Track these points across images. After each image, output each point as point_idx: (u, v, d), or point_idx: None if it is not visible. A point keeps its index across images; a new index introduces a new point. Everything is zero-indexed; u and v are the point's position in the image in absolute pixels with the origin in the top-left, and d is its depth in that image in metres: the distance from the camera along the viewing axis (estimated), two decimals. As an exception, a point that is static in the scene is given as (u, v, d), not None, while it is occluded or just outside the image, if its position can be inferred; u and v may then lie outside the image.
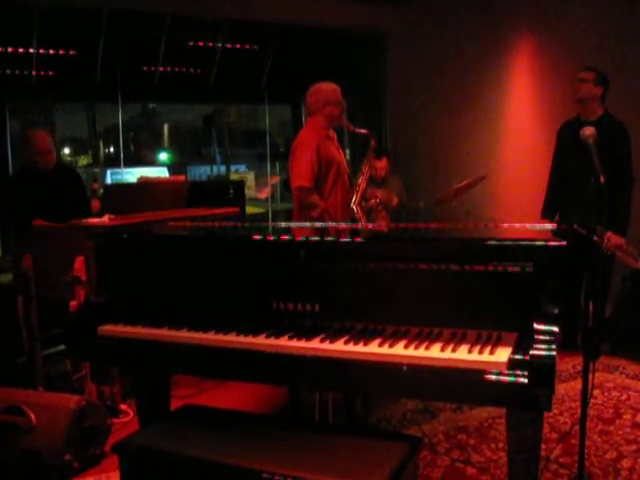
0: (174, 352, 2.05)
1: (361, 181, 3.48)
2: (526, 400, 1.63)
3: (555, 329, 1.70)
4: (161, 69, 7.63)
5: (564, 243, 1.77)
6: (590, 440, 2.95)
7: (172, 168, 14.59)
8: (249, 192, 9.68)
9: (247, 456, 1.83)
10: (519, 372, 1.63)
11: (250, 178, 13.54)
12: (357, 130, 3.71)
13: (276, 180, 10.29)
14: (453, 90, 6.47)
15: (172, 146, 17.12)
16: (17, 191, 4.00)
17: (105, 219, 3.70)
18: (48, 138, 4.06)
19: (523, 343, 1.71)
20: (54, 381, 3.48)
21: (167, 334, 2.07)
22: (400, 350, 1.78)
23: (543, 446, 2.38)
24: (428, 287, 1.89)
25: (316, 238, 2.22)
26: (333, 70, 7.08)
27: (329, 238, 2.28)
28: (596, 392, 3.48)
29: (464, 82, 6.34)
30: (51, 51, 7.14)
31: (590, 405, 2.94)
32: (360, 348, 1.82)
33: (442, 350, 1.75)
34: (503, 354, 1.69)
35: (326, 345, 1.86)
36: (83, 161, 15.69)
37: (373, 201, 3.52)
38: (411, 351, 1.77)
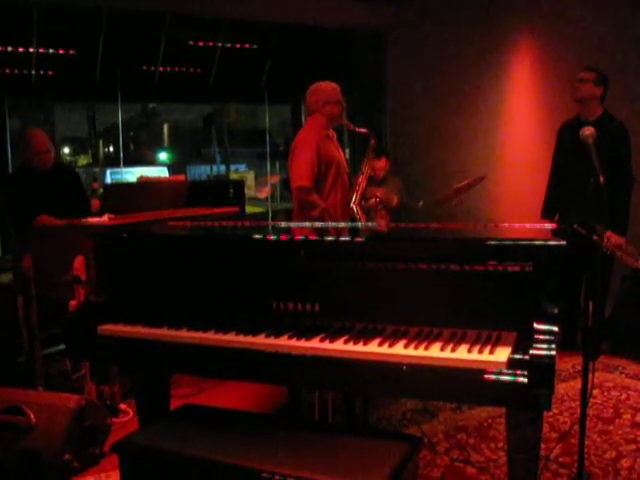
0: (174, 352, 2.05)
1: (361, 180, 3.48)
2: (526, 400, 1.63)
3: (555, 329, 1.70)
4: (161, 69, 7.63)
5: (564, 243, 1.77)
6: (590, 440, 2.95)
7: (172, 168, 14.60)
8: (249, 192, 9.68)
9: (247, 456, 1.83)
10: (519, 372, 1.63)
11: (250, 178, 13.55)
12: (357, 129, 3.71)
13: (276, 180, 10.29)
14: (453, 90, 6.46)
15: (172, 146, 17.13)
16: (17, 190, 4.00)
17: (105, 219, 3.70)
18: (46, 138, 4.06)
19: (523, 343, 1.71)
20: (54, 381, 3.48)
21: (167, 334, 2.07)
22: (400, 350, 1.78)
23: (543, 446, 2.39)
24: (428, 287, 1.89)
25: (316, 238, 2.22)
26: (333, 69, 7.08)
27: (329, 238, 2.28)
28: (596, 392, 3.48)
29: (464, 82, 6.33)
30: (51, 50, 7.14)
31: (590, 405, 2.95)
32: (360, 348, 1.82)
33: (442, 350, 1.75)
34: (503, 354, 1.69)
35: (326, 345, 1.86)
36: (83, 160, 15.69)
37: (373, 201, 3.53)
38: (411, 351, 1.77)
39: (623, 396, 3.53)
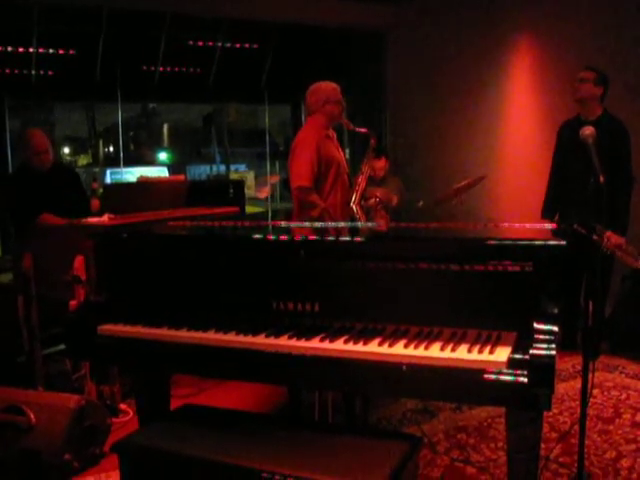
0: (174, 352, 2.05)
1: (361, 180, 3.48)
2: (526, 399, 1.63)
3: (555, 328, 1.70)
4: (161, 68, 7.63)
5: (564, 243, 1.77)
6: (590, 439, 2.95)
7: (172, 167, 14.61)
8: (249, 191, 9.68)
9: (247, 456, 1.83)
10: (519, 371, 1.63)
11: (250, 177, 13.56)
12: (357, 129, 3.70)
13: (276, 179, 10.30)
14: (453, 90, 6.47)
15: (172, 145, 17.14)
16: (17, 190, 4.00)
17: (105, 218, 3.70)
18: (46, 138, 4.06)
19: (523, 342, 1.71)
20: (54, 380, 3.48)
21: (167, 334, 2.07)
22: (400, 349, 1.78)
23: (543, 445, 2.39)
24: (428, 287, 1.89)
25: (316, 238, 2.22)
26: (333, 69, 7.08)
27: (329, 238, 2.28)
28: (596, 391, 3.48)
29: (464, 82, 6.34)
30: (51, 50, 7.15)
31: (590, 404, 2.95)
32: (360, 347, 1.82)
33: (442, 349, 1.75)
34: (503, 353, 1.69)
35: (326, 344, 1.86)
36: (83, 160, 15.70)
37: (373, 200, 3.52)
38: (411, 350, 1.77)
39: (623, 396, 3.53)
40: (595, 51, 4.96)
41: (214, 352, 1.99)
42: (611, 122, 4.00)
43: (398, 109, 7.47)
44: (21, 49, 6.99)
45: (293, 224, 3.31)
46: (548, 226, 2.27)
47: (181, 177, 6.87)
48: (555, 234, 2.08)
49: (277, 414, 3.38)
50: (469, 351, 1.72)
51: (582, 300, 3.96)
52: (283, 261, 2.06)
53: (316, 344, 1.87)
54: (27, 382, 3.24)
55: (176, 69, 7.89)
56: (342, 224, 3.21)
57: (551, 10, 5.50)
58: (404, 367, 1.73)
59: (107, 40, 6.96)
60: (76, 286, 3.05)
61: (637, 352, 4.10)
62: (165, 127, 16.97)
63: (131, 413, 3.31)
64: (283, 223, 3.23)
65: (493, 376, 1.65)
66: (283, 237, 2.17)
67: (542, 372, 1.61)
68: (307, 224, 3.17)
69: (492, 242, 1.87)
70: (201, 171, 15.89)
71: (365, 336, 1.87)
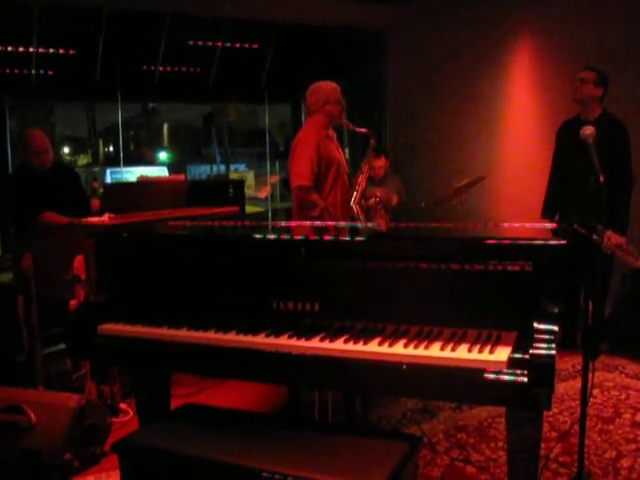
0: (174, 351, 2.05)
1: (361, 180, 3.48)
2: (526, 399, 1.63)
3: (555, 328, 1.70)
4: (161, 68, 7.64)
5: (564, 242, 1.77)
6: (590, 439, 2.95)
7: (172, 167, 14.60)
8: (249, 191, 9.68)
9: (247, 455, 1.83)
10: (519, 371, 1.63)
11: (250, 177, 13.56)
12: (357, 129, 3.70)
13: (276, 179, 10.31)
14: (453, 90, 6.47)
15: (172, 145, 17.13)
16: (17, 190, 4.00)
17: (105, 218, 3.70)
18: (45, 138, 4.06)
19: (523, 342, 1.71)
20: (54, 380, 3.48)
21: (167, 333, 2.07)
22: (400, 349, 1.78)
23: (543, 445, 2.39)
24: (428, 286, 1.89)
25: (316, 237, 2.22)
26: (333, 69, 7.08)
27: (329, 237, 2.28)
28: (596, 391, 3.48)
29: (464, 82, 6.34)
30: (51, 50, 7.15)
31: (590, 404, 2.95)
32: (360, 347, 1.82)
33: (442, 349, 1.75)
34: (503, 353, 1.69)
35: (326, 344, 1.86)
36: (83, 160, 15.69)
37: (373, 200, 3.52)
38: (411, 350, 1.77)
39: (623, 396, 3.54)
40: (595, 51, 4.96)
41: (214, 352, 1.99)
42: (611, 122, 4.00)
43: (398, 109, 7.47)
44: (21, 49, 6.99)
45: (293, 224, 3.31)
46: (548, 226, 2.27)
47: (181, 177, 6.87)
48: (555, 234, 2.08)
49: (277, 414, 3.38)
50: (469, 351, 1.72)
51: (582, 300, 3.96)
52: (283, 261, 2.06)
53: (316, 344, 1.87)
54: (27, 382, 3.24)
55: (176, 69, 7.89)
56: (342, 224, 3.21)
57: (551, 10, 5.50)
58: (404, 367, 1.74)
59: (107, 40, 6.96)
60: (76, 286, 3.05)
61: (637, 352, 4.10)
62: (165, 127, 16.97)
63: (131, 413, 3.31)
64: (283, 223, 3.23)
65: (493, 376, 1.65)
66: (283, 237, 2.17)
67: (542, 372, 1.61)
68: (307, 224, 3.17)
69: (492, 242, 1.87)
70: (201, 171, 15.89)
71: (365, 336, 1.87)
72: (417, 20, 6.94)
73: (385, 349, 1.79)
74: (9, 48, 6.96)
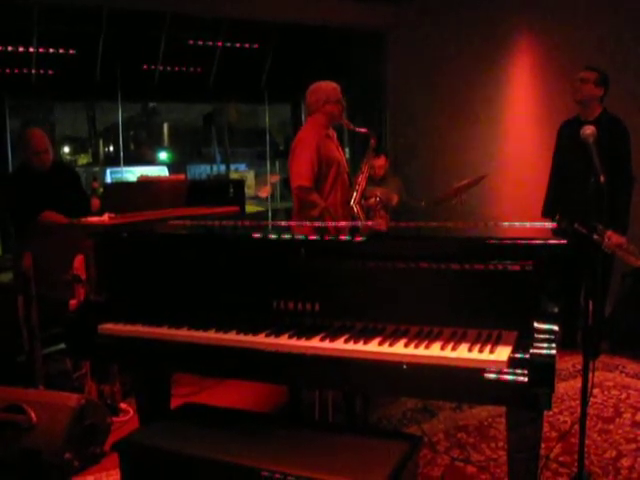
0: (174, 351, 2.05)
1: (361, 180, 3.48)
2: (526, 399, 1.63)
3: (555, 328, 1.70)
4: (161, 68, 7.64)
5: (564, 242, 1.77)
6: (590, 439, 2.95)
7: (172, 167, 14.59)
8: (249, 191, 9.68)
9: (247, 454, 1.83)
10: (519, 371, 1.63)
11: (250, 177, 13.56)
12: (357, 129, 3.71)
13: (276, 179, 10.30)
14: (453, 90, 6.47)
15: (172, 145, 17.12)
16: (17, 190, 4.00)
17: (105, 218, 3.70)
18: (45, 138, 4.06)
19: (523, 342, 1.71)
20: (54, 380, 3.48)
21: (167, 333, 2.07)
22: (400, 349, 1.78)
23: (543, 445, 2.39)
24: (428, 286, 1.89)
25: (316, 237, 2.22)
26: (333, 69, 7.09)
27: (329, 237, 2.28)
28: (596, 391, 3.48)
29: (464, 82, 6.34)
30: (51, 50, 7.15)
31: (590, 404, 2.95)
32: (360, 347, 1.82)
33: (442, 349, 1.75)
34: (503, 353, 1.69)
35: (326, 344, 1.86)
36: (83, 160, 15.68)
37: (373, 200, 3.52)
38: (411, 350, 1.77)
39: (623, 395, 3.54)
40: (595, 51, 4.96)
41: (214, 351, 1.99)
42: (611, 121, 4.00)
43: (398, 109, 7.47)
44: (21, 49, 6.99)
45: (293, 223, 3.31)
46: (548, 225, 2.27)
47: (181, 176, 6.88)
48: (555, 233, 2.08)
49: (277, 413, 3.38)
50: (469, 350, 1.72)
51: (582, 299, 3.96)
52: (283, 260, 2.06)
53: (316, 343, 1.87)
54: (27, 381, 3.24)
55: (176, 69, 7.89)
56: (342, 223, 3.21)
57: (551, 10, 5.50)
58: (404, 366, 1.74)
59: (107, 40, 6.96)
60: (76, 285, 3.05)
61: (637, 351, 4.10)
62: (165, 126, 16.96)
63: (131, 412, 3.31)
64: (283, 223, 3.23)
65: (493, 375, 1.65)
66: (283, 236, 2.17)
67: (542, 371, 1.61)
68: (307, 223, 3.17)
69: (492, 241, 1.88)
70: (201, 170, 15.89)
71: (365, 335, 1.87)
72: (417, 20, 6.94)
73: (385, 349, 1.79)
74: (9, 48, 6.96)
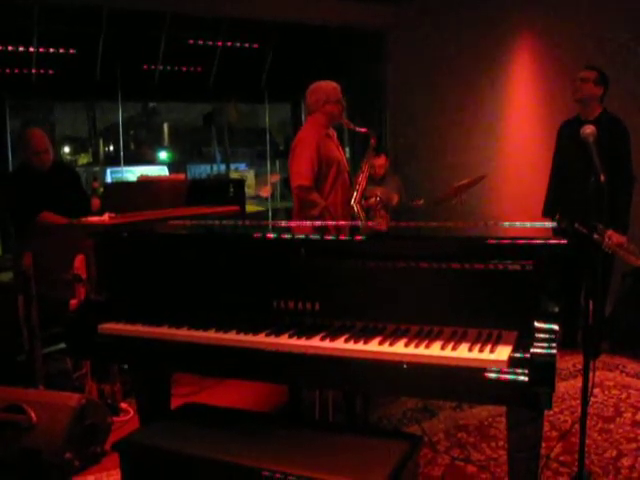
0: (174, 350, 2.05)
1: (361, 179, 3.49)
2: (526, 398, 1.63)
3: (555, 327, 1.70)
4: (161, 68, 7.63)
5: (564, 241, 1.77)
6: (590, 438, 2.95)
7: (172, 167, 14.60)
8: (249, 191, 9.68)
9: (247, 454, 1.83)
10: (519, 370, 1.63)
11: (250, 177, 13.56)
12: (357, 129, 3.71)
13: (276, 178, 10.31)
14: (453, 90, 6.47)
15: (172, 145, 17.13)
16: (17, 190, 4.00)
17: (105, 218, 3.70)
18: (45, 137, 4.06)
19: (523, 341, 1.71)
20: (54, 379, 3.48)
21: (167, 332, 2.07)
22: (400, 348, 1.78)
23: (543, 444, 2.38)
24: (428, 286, 1.89)
25: (316, 236, 2.22)
26: (333, 69, 7.08)
27: (329, 237, 2.28)
28: (596, 390, 3.48)
29: (464, 82, 6.34)
30: (51, 49, 7.14)
31: (590, 403, 2.94)
32: (360, 346, 1.82)
33: (442, 348, 1.75)
34: (503, 352, 1.69)
35: (326, 343, 1.86)
36: (83, 160, 15.69)
37: (373, 199, 3.52)
38: (411, 349, 1.77)
39: (624, 395, 3.53)
40: (595, 51, 4.96)
41: (214, 351, 1.99)
42: (611, 121, 4.00)
43: (398, 109, 7.47)
44: (21, 48, 6.98)
45: (293, 223, 3.31)
46: (549, 225, 2.28)
47: (181, 176, 6.88)
48: (556, 233, 2.08)
49: (278, 413, 3.38)
50: (470, 350, 1.72)
51: (582, 299, 3.96)
52: (283, 260, 2.06)
53: (316, 343, 1.87)
54: (28, 381, 3.24)
55: (176, 68, 7.88)
56: (342, 223, 3.21)
57: (551, 10, 5.50)
58: (405, 366, 1.74)
59: (107, 40, 6.96)
60: (76, 285, 3.05)
61: (638, 351, 4.10)
62: (165, 126, 16.96)
63: (132, 412, 3.31)
64: (283, 222, 3.23)
65: (494, 375, 1.65)
66: (283, 236, 2.17)
67: (543, 371, 1.61)
68: (307, 223, 3.17)
69: (493, 241, 1.87)
70: (201, 170, 15.91)
71: (365, 335, 1.87)
72: (417, 20, 6.94)
73: (386, 348, 1.79)
74: (9, 48, 6.95)
